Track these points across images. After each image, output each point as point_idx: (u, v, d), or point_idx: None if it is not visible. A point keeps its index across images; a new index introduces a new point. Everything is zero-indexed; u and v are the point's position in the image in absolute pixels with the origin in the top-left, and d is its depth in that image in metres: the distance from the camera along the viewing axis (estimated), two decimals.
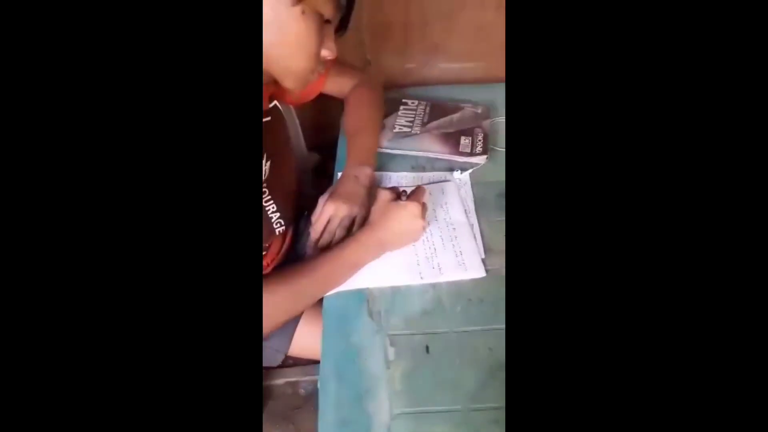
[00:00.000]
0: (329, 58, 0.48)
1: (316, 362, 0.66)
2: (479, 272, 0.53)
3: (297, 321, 0.61)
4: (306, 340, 0.62)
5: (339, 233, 0.55)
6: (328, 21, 0.45)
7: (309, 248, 0.56)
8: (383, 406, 0.43)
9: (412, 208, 0.51)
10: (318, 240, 0.55)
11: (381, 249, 0.53)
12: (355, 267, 0.52)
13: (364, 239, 0.52)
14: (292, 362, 0.72)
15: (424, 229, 0.53)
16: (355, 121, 0.65)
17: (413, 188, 0.54)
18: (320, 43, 0.46)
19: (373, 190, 0.56)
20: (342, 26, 0.49)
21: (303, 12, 0.42)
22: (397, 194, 0.53)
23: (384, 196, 0.52)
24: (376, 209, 0.53)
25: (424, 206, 0.53)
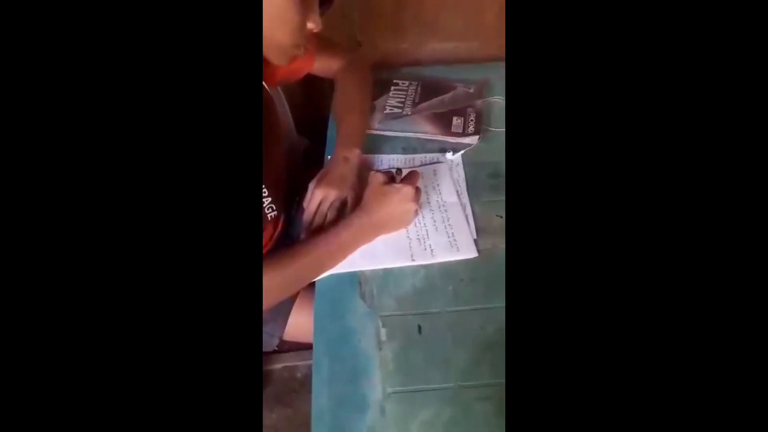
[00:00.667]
0: (314, 30, 0.46)
1: (312, 346, 0.67)
2: (471, 252, 0.53)
3: (291, 305, 0.61)
4: (300, 324, 0.62)
5: (330, 216, 0.55)
6: None
7: (302, 232, 0.56)
8: (376, 386, 0.44)
9: (405, 191, 0.51)
10: (310, 224, 0.55)
11: (374, 232, 0.53)
12: (348, 250, 0.52)
13: (357, 222, 0.51)
14: (287, 347, 0.72)
15: (416, 213, 0.53)
16: (343, 102, 0.64)
17: (407, 171, 0.54)
18: (303, 16, 0.44)
19: (363, 171, 0.56)
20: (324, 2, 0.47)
21: None
22: (391, 177, 0.53)
23: (377, 179, 0.52)
24: (369, 192, 0.52)
25: (417, 190, 0.52)
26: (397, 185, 0.51)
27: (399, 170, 0.53)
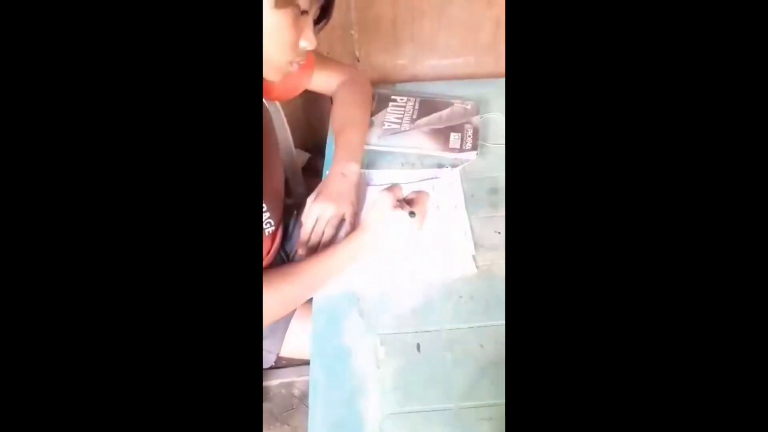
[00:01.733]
0: (309, 48, 0.47)
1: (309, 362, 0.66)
2: (470, 269, 0.52)
3: (288, 322, 0.61)
4: (298, 341, 0.61)
5: (327, 232, 0.54)
6: (305, 12, 0.44)
7: (299, 248, 0.56)
8: (374, 406, 0.43)
9: (411, 221, 0.50)
10: (307, 240, 0.55)
11: (371, 252, 0.52)
12: (343, 270, 0.52)
13: (357, 243, 0.51)
14: (285, 363, 0.72)
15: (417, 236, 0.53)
16: (342, 117, 0.64)
17: (415, 193, 0.53)
18: (297, 35, 0.45)
19: (361, 187, 0.56)
20: (322, 17, 0.48)
21: (276, 4, 0.41)
22: (399, 200, 0.52)
23: (383, 200, 0.51)
24: (373, 213, 0.51)
25: (424, 215, 0.52)
26: (402, 211, 0.50)
27: (413, 213, 0.51)
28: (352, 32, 0.80)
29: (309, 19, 0.46)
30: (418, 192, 0.54)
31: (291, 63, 0.48)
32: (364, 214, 0.52)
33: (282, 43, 0.44)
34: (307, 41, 0.46)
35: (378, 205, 0.51)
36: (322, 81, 0.66)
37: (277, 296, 0.48)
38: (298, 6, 0.43)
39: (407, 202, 0.52)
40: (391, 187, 0.53)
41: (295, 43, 0.45)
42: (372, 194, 0.60)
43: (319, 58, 0.65)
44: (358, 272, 0.52)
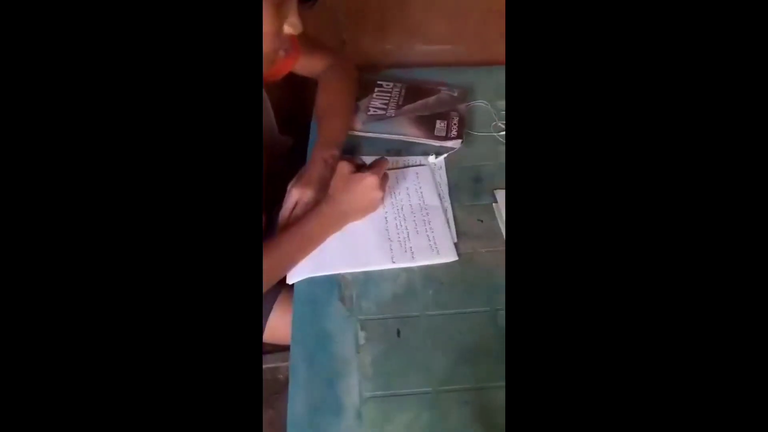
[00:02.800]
0: (294, 33, 0.46)
1: None
2: (451, 256, 0.53)
3: (270, 307, 0.61)
4: (281, 327, 0.61)
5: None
6: None
7: (277, 231, 0.55)
8: (353, 390, 0.43)
9: (370, 180, 0.52)
10: (285, 224, 0.54)
11: (341, 220, 0.53)
12: (317, 241, 0.53)
13: (324, 212, 0.52)
14: (271, 348, 0.72)
15: (382, 200, 0.54)
16: (325, 102, 0.63)
17: (374, 159, 0.54)
18: (279, 22, 0.44)
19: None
20: None
21: None
22: (357, 165, 0.53)
23: (343, 168, 0.52)
24: (335, 181, 0.53)
25: (384, 177, 0.53)
26: (362, 173, 0.52)
27: (363, 164, 0.54)
28: (340, 16, 0.78)
29: (293, 4, 0.44)
30: (377, 159, 0.55)
31: (277, 51, 0.46)
32: (332, 185, 0.53)
33: (266, 33, 0.43)
34: (292, 26, 0.45)
35: (338, 174, 0.52)
36: (308, 64, 0.65)
37: None
38: None
39: (367, 168, 0.53)
40: (349, 158, 0.54)
41: (279, 32, 0.44)
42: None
43: (306, 40, 0.63)
44: (341, 257, 0.52)
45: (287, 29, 0.45)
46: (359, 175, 0.52)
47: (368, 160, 0.64)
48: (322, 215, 0.52)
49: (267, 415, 0.92)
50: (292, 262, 0.51)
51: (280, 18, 0.44)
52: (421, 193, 0.59)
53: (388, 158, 0.64)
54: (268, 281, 0.52)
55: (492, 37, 0.83)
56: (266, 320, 0.61)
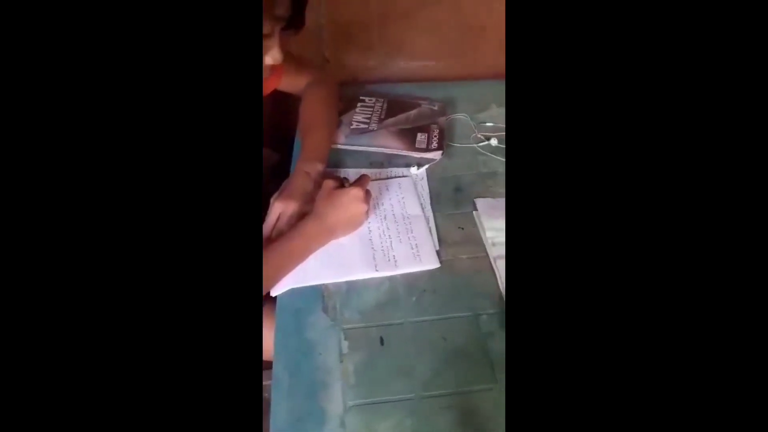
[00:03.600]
0: (275, 63, 0.48)
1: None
2: (434, 263, 0.54)
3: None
4: (265, 342, 0.61)
5: (286, 230, 0.55)
6: (266, 35, 0.45)
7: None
8: (336, 399, 0.43)
9: (353, 193, 0.52)
10: (268, 237, 0.55)
11: (326, 236, 0.54)
12: (301, 257, 0.53)
13: (309, 228, 0.52)
14: None
15: (367, 213, 0.54)
16: (309, 117, 0.65)
17: (357, 175, 0.55)
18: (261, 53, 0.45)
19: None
20: (293, 25, 0.48)
21: None
22: (340, 181, 0.54)
23: (327, 184, 0.53)
24: (320, 198, 0.53)
25: (367, 192, 0.54)
26: (346, 188, 0.53)
27: (346, 179, 0.55)
28: (323, 33, 0.81)
29: (273, 40, 0.46)
30: (361, 175, 0.55)
31: None
32: (317, 201, 0.54)
33: None
34: (273, 59, 0.47)
35: (322, 191, 0.53)
36: (291, 81, 0.66)
37: None
38: None
39: (351, 184, 0.54)
40: (333, 175, 0.55)
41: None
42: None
43: (289, 58, 0.65)
44: (325, 267, 0.53)
45: (268, 61, 0.47)
46: (344, 189, 0.53)
47: (351, 173, 0.65)
48: (307, 232, 0.52)
49: None
50: (275, 278, 0.51)
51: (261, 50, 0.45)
52: (404, 202, 0.61)
53: (372, 170, 0.65)
54: None
55: (470, 53, 0.86)
56: None
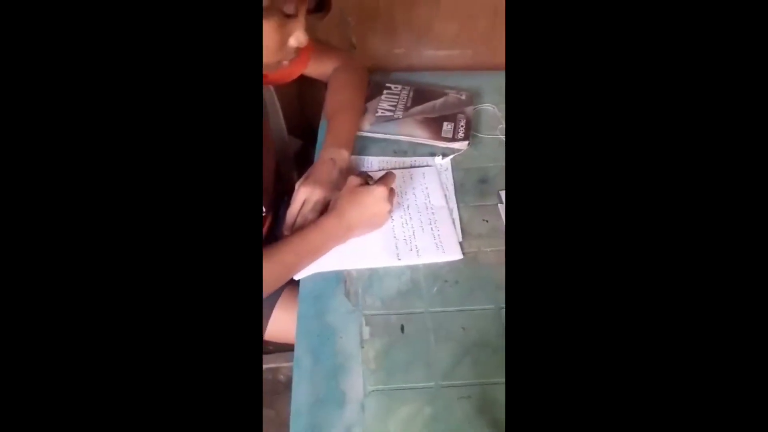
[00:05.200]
0: (300, 46, 0.46)
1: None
2: (456, 255, 0.53)
3: (273, 305, 0.61)
4: (284, 324, 0.62)
5: (311, 217, 0.55)
6: (291, 15, 0.43)
7: (285, 230, 0.56)
8: (357, 384, 0.44)
9: (378, 192, 0.51)
10: (292, 223, 0.55)
11: (346, 234, 0.53)
12: (318, 253, 0.52)
13: (329, 225, 0.51)
14: (272, 348, 0.72)
15: (389, 213, 0.53)
16: (335, 103, 0.64)
17: (382, 173, 0.54)
18: (282, 38, 0.44)
19: (348, 174, 0.55)
20: (319, 8, 0.47)
21: None
22: (365, 179, 0.53)
23: (352, 181, 0.52)
24: (343, 194, 0.52)
25: (391, 191, 0.52)
26: (370, 186, 0.52)
27: (370, 177, 0.54)
28: (349, 19, 0.80)
29: (298, 21, 0.45)
30: (386, 173, 0.54)
31: (280, 62, 0.47)
32: (340, 198, 0.52)
33: (267, 47, 0.44)
34: (297, 41, 0.45)
35: (346, 188, 0.52)
36: (318, 66, 0.66)
37: None
38: (282, 12, 0.42)
39: (375, 182, 0.53)
40: (359, 173, 0.54)
41: (282, 46, 0.45)
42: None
43: (316, 43, 0.65)
44: (347, 253, 0.53)
45: (292, 42, 0.45)
46: (368, 187, 0.51)
47: (375, 161, 0.65)
48: (328, 227, 0.51)
49: (267, 415, 0.92)
50: (293, 271, 0.51)
51: (284, 32, 0.44)
52: (428, 192, 0.60)
53: (396, 159, 0.65)
54: (267, 288, 0.52)
55: (498, 43, 0.84)
56: (268, 318, 0.62)
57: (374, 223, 0.53)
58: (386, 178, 0.53)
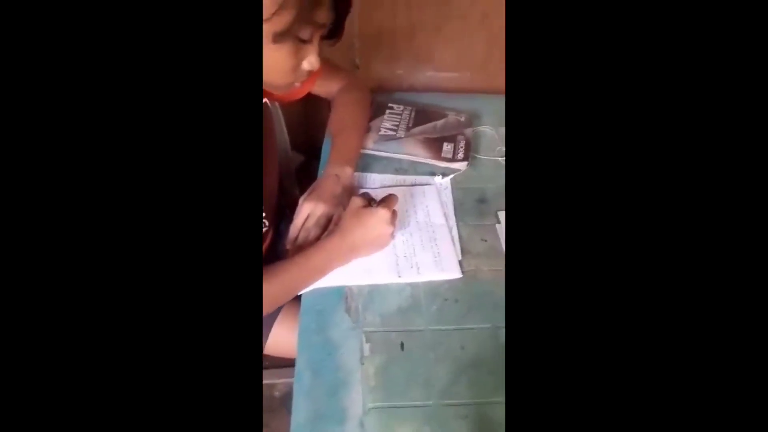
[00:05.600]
0: (312, 70, 0.47)
1: (292, 364, 0.66)
2: (456, 273, 0.54)
3: (273, 320, 0.61)
4: (283, 339, 0.62)
5: (314, 232, 0.55)
6: (305, 41, 0.45)
7: (287, 244, 0.57)
8: (357, 400, 0.44)
9: (381, 213, 0.51)
10: (295, 238, 0.56)
11: (348, 255, 0.53)
12: (320, 274, 0.52)
13: (331, 246, 0.52)
14: (268, 364, 0.72)
15: (392, 235, 0.54)
16: (339, 121, 0.66)
17: (385, 194, 0.54)
18: (296, 62, 0.46)
19: (351, 191, 0.56)
20: (332, 35, 0.49)
21: (273, 40, 0.42)
22: (368, 200, 0.53)
23: (355, 202, 0.53)
24: (346, 215, 0.53)
25: (394, 213, 0.53)
26: (373, 208, 0.52)
27: (373, 200, 0.54)
28: (354, 41, 0.82)
29: (312, 46, 0.46)
30: (388, 195, 0.55)
31: (291, 84, 0.48)
32: (343, 219, 0.53)
33: (280, 71, 0.45)
34: (310, 65, 0.47)
35: (349, 209, 0.53)
36: (324, 85, 0.68)
37: None
38: (297, 37, 0.44)
39: (378, 203, 0.53)
40: (362, 193, 0.55)
41: (295, 69, 0.46)
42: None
43: (323, 62, 0.66)
44: (348, 270, 0.54)
45: (305, 66, 0.47)
46: (371, 209, 0.52)
47: (377, 177, 0.66)
48: (330, 248, 0.51)
49: None
50: (294, 291, 0.52)
51: (298, 57, 0.45)
52: (428, 210, 0.61)
53: (396, 177, 0.66)
54: (268, 307, 0.52)
55: (494, 69, 0.87)
56: (268, 331, 0.62)
57: (377, 245, 0.54)
58: (389, 200, 0.53)
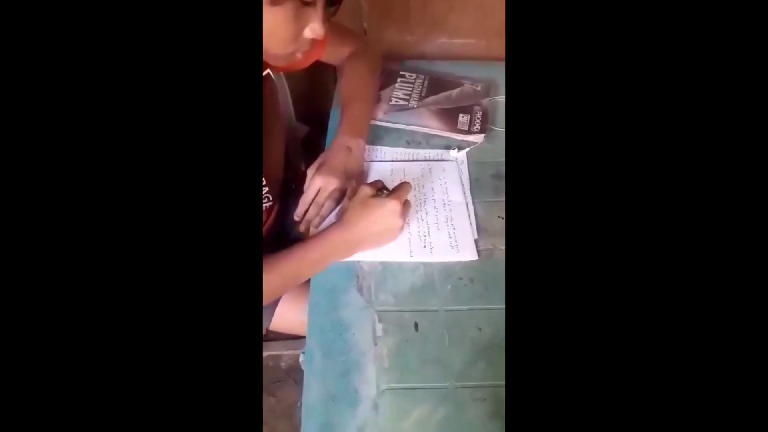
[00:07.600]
0: (316, 38, 0.43)
1: (298, 337, 0.65)
2: (471, 254, 0.52)
3: (276, 302, 0.60)
4: (289, 315, 0.61)
5: (327, 206, 0.53)
6: (308, 3, 0.41)
7: (295, 216, 0.54)
8: (370, 381, 0.43)
9: (390, 205, 0.47)
10: (305, 212, 0.54)
11: (351, 249, 0.50)
12: (320, 266, 0.49)
13: (333, 237, 0.48)
14: (273, 336, 0.71)
15: (401, 229, 0.50)
16: (349, 89, 0.62)
17: (397, 184, 0.50)
18: (298, 28, 0.42)
19: (363, 165, 0.53)
20: (335, 1, 0.44)
21: (271, 1, 0.38)
22: (378, 189, 0.50)
23: (364, 191, 0.49)
24: (353, 205, 0.49)
25: (406, 204, 0.49)
26: (382, 199, 0.48)
27: (385, 188, 0.50)
28: (362, 3, 0.77)
29: (315, 9, 0.41)
30: (401, 183, 0.51)
31: (294, 53, 0.44)
32: (349, 209, 0.49)
33: (281, 38, 0.41)
34: (313, 32, 0.42)
35: (357, 198, 0.49)
36: (334, 51, 0.63)
37: None
38: (298, 1, 0.39)
39: (389, 193, 0.50)
40: (373, 182, 0.51)
41: (297, 36, 0.42)
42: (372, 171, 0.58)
43: (333, 27, 0.62)
44: None
45: (308, 34, 0.42)
46: (380, 199, 0.48)
47: (388, 150, 0.63)
48: (333, 239, 0.48)
49: (268, 402, 0.92)
50: (294, 283, 0.49)
51: (300, 22, 0.41)
52: (446, 188, 0.59)
53: (409, 150, 0.63)
54: (267, 298, 0.50)
55: None
56: (273, 308, 0.60)
57: (384, 239, 0.50)
58: (400, 190, 0.49)
